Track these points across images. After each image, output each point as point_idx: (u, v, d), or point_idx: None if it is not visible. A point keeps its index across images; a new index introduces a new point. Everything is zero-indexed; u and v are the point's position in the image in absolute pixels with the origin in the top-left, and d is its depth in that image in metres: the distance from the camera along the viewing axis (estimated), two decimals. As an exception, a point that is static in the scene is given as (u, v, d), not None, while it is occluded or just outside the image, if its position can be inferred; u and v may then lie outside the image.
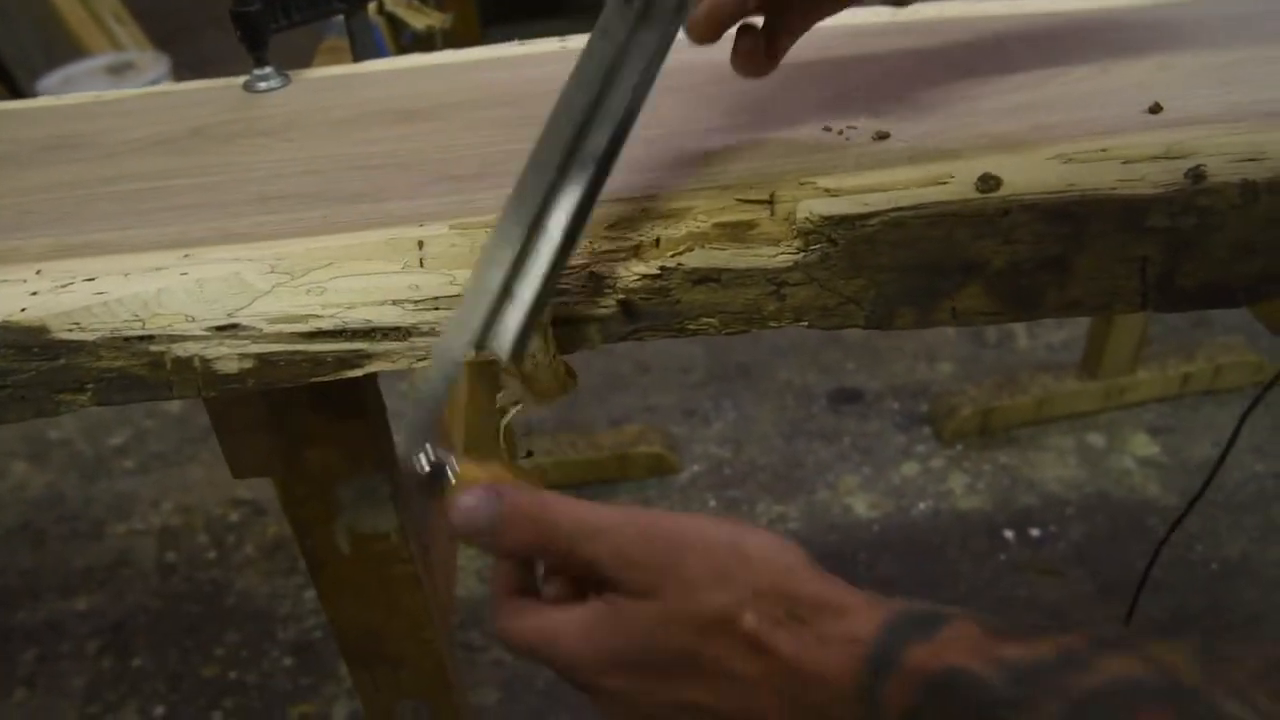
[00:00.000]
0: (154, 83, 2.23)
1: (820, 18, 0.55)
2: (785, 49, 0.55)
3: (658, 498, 1.53)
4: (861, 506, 1.49)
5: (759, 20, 0.54)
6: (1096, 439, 1.56)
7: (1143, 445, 1.55)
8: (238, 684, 1.33)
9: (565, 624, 0.37)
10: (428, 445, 0.40)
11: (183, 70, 2.40)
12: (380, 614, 0.76)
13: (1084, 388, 1.57)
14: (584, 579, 0.38)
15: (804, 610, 0.34)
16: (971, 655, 0.31)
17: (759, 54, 0.53)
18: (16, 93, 2.24)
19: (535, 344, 0.48)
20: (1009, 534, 1.43)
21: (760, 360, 1.77)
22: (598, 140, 0.46)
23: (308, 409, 0.60)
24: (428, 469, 0.40)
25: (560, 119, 0.46)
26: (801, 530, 1.46)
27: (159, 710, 1.30)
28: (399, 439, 0.43)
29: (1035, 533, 1.43)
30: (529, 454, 1.45)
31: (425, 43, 0.99)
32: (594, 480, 1.55)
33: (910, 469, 1.55)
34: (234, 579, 1.48)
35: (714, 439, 1.63)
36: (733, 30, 0.52)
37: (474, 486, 0.39)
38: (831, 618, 0.34)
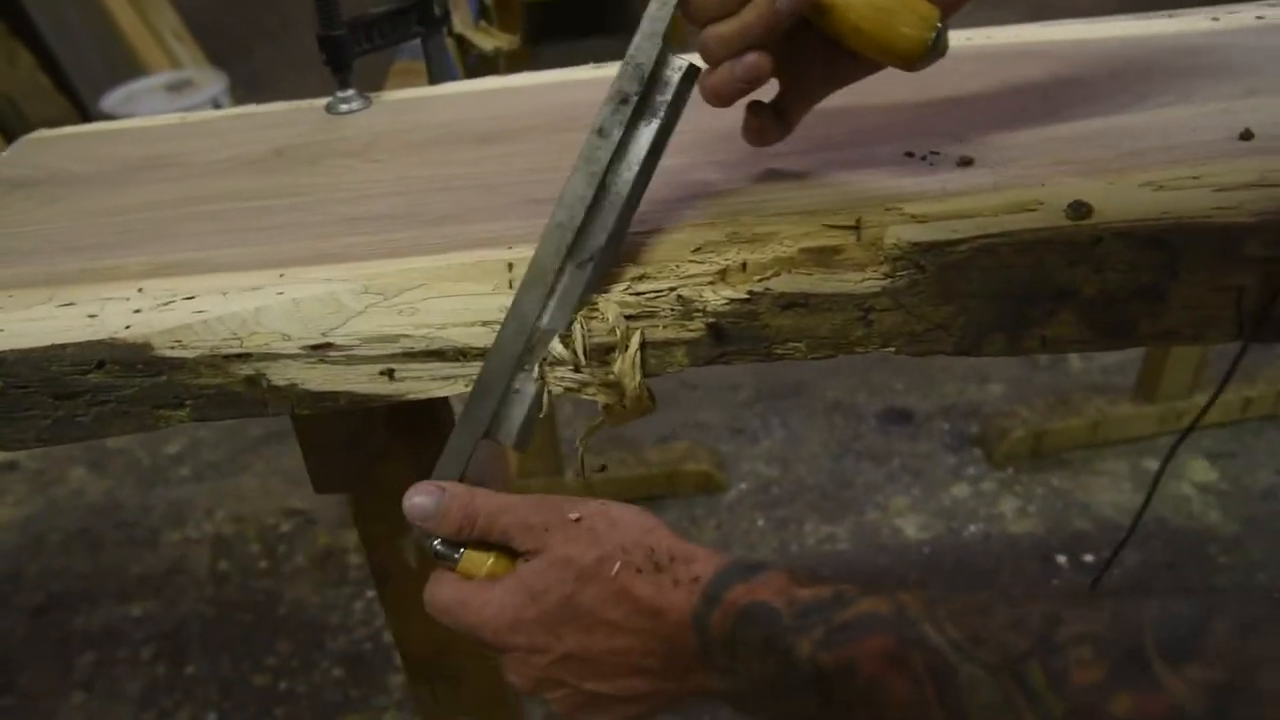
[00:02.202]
0: (212, 99, 2.29)
1: (837, 87, 0.53)
2: (800, 117, 0.53)
3: (705, 516, 1.53)
4: (911, 528, 1.48)
5: (771, 91, 0.52)
6: (1152, 464, 1.54)
7: (1202, 471, 1.52)
8: (288, 693, 1.34)
9: (476, 592, 0.45)
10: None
11: (238, 86, 2.45)
12: (444, 630, 0.77)
13: (1139, 411, 1.55)
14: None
15: (661, 559, 0.43)
16: (774, 594, 0.40)
17: (769, 129, 0.52)
18: (80, 108, 2.30)
19: (624, 368, 0.48)
20: (1062, 559, 1.41)
21: (809, 379, 1.77)
22: (597, 239, 0.48)
23: (385, 426, 0.61)
24: (438, 550, 0.48)
25: (559, 223, 0.48)
26: (850, 551, 1.45)
27: (211, 716, 1.32)
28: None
29: (1089, 558, 1.41)
30: (603, 468, 1.46)
31: (490, 63, 1.01)
32: (641, 497, 1.55)
33: (961, 491, 1.53)
34: (285, 588, 1.49)
35: (762, 457, 1.63)
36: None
37: (425, 484, 0.48)
38: (682, 564, 0.42)
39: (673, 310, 0.49)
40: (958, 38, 0.70)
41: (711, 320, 0.49)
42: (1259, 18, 0.67)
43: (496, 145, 0.63)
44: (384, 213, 0.56)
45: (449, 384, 0.50)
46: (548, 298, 0.48)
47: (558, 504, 0.46)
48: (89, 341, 0.48)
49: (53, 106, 2.24)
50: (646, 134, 0.48)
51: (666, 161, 0.57)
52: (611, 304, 0.49)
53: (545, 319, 0.48)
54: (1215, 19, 0.67)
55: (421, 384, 0.50)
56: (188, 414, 0.50)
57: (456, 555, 0.48)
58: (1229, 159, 0.51)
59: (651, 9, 0.46)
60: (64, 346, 0.48)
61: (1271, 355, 1.66)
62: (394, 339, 0.49)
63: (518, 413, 0.50)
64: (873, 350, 0.50)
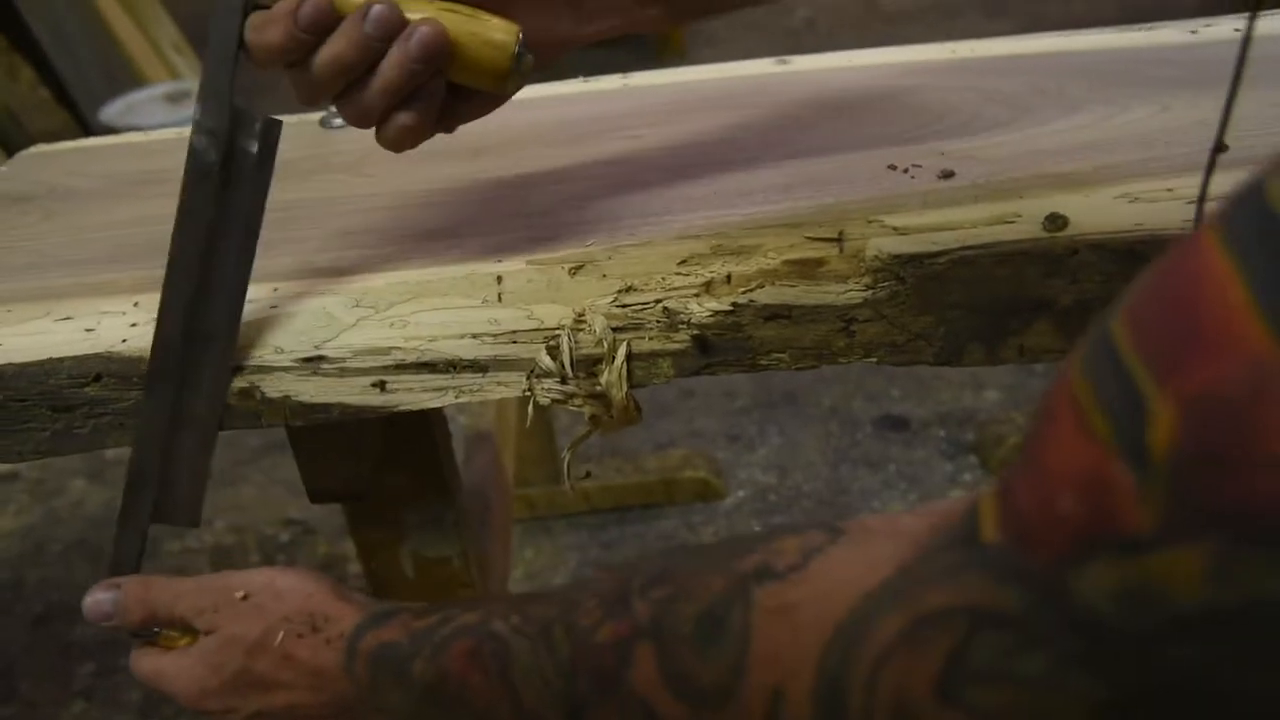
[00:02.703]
0: (211, 111, 2.30)
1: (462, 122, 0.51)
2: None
3: (703, 523, 1.54)
4: (907, 535, 1.49)
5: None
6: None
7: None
8: (288, 702, 1.35)
9: (170, 664, 0.50)
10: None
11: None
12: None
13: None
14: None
15: (317, 622, 0.47)
16: (396, 631, 0.45)
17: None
18: (80, 120, 2.31)
19: (611, 379, 0.49)
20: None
21: (805, 386, 1.77)
22: (217, 317, 0.48)
23: (379, 437, 0.62)
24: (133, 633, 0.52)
25: (168, 315, 0.48)
26: (847, 558, 1.45)
27: (212, 726, 1.33)
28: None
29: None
30: (587, 475, 1.47)
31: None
32: (639, 505, 1.56)
33: (957, 497, 1.54)
34: (285, 597, 1.50)
35: (759, 465, 1.63)
36: None
37: (100, 583, 0.52)
38: (332, 624, 0.47)
39: (658, 322, 0.50)
40: (940, 50, 0.71)
41: (696, 332, 0.50)
42: (1237, 30, 0.68)
43: (487, 159, 0.64)
44: (376, 227, 0.57)
45: (440, 395, 0.51)
46: (179, 388, 0.49)
47: (225, 585, 0.50)
48: (86, 355, 0.49)
49: (53, 119, 2.25)
50: (240, 199, 0.47)
51: (650, 175, 0.58)
52: (598, 316, 0.50)
53: (188, 403, 0.49)
54: (1194, 31, 0.69)
55: (413, 395, 0.51)
56: (183, 426, 0.51)
57: (155, 632, 0.51)
58: (1202, 171, 0.52)
59: (211, 58, 0.44)
60: (61, 360, 0.49)
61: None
62: (385, 351, 0.50)
63: (180, 490, 0.52)
64: (855, 360, 0.51)
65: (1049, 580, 0.25)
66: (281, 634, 0.47)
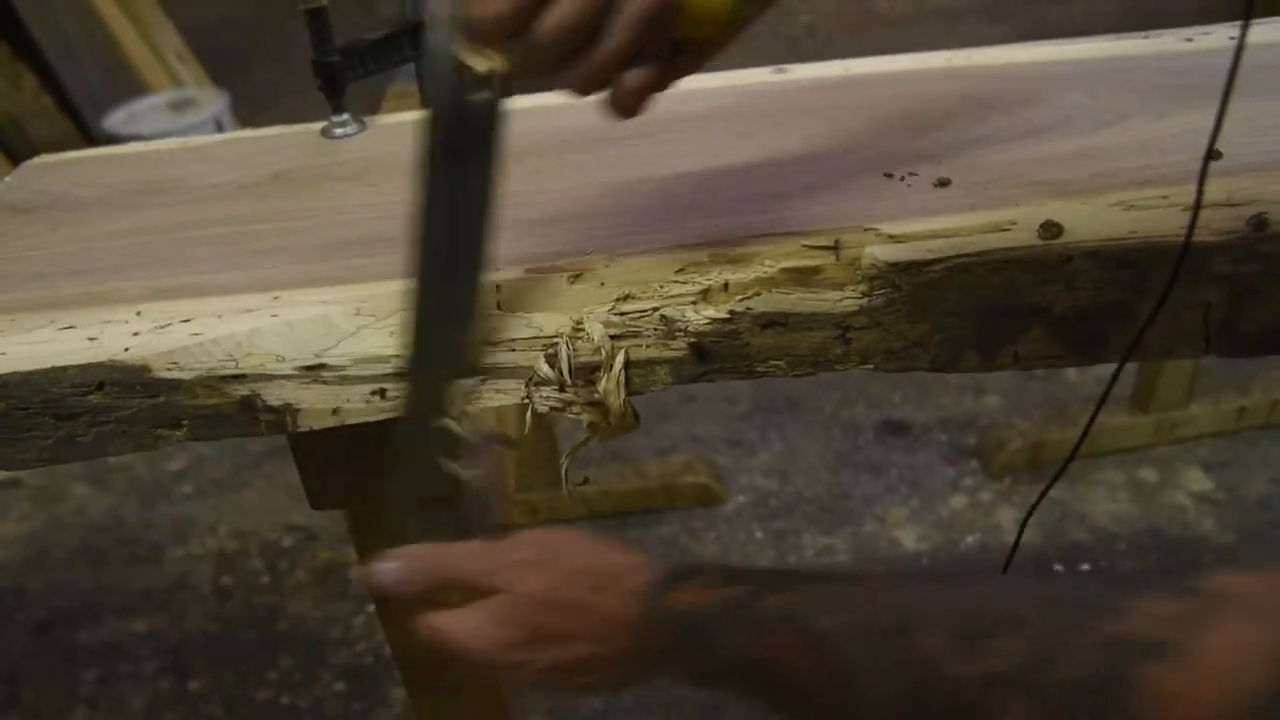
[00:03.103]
0: (215, 118, 2.31)
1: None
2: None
3: (703, 528, 1.54)
4: (909, 539, 1.49)
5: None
6: (1149, 474, 1.55)
7: (1197, 480, 1.53)
8: (291, 708, 1.35)
9: (465, 620, 0.50)
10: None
11: (240, 105, 2.48)
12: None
13: (1135, 422, 1.56)
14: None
15: (604, 579, 0.49)
16: (699, 595, 0.46)
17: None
18: (83, 128, 2.32)
19: (608, 387, 0.50)
20: (1059, 568, 1.42)
21: (806, 392, 1.78)
22: (466, 265, 0.49)
23: (379, 443, 0.62)
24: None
25: (413, 289, 0.49)
26: (848, 563, 1.45)
27: (214, 732, 1.33)
28: None
29: (1085, 567, 1.41)
30: (585, 480, 1.47)
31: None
32: (640, 510, 1.56)
33: (958, 502, 1.54)
34: (287, 604, 1.50)
35: (760, 470, 1.64)
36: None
37: (384, 555, 0.53)
38: (625, 577, 0.48)
39: (656, 330, 0.50)
40: (937, 59, 0.71)
41: (694, 339, 0.50)
42: (1231, 38, 0.68)
43: (487, 168, 0.65)
44: (377, 236, 0.58)
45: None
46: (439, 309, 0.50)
47: (503, 547, 0.51)
48: (89, 364, 0.49)
49: (56, 127, 2.26)
50: (474, 174, 0.48)
51: (649, 183, 0.58)
52: (596, 324, 0.50)
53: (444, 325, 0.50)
54: (1189, 39, 0.69)
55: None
56: (185, 434, 0.51)
57: None
58: (1197, 178, 0.52)
59: (431, 35, 0.44)
60: (65, 369, 0.49)
61: (1265, 365, 1.67)
62: (385, 359, 0.50)
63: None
64: (851, 368, 0.51)
65: None
66: (570, 588, 0.49)
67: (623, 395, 0.50)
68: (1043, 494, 0.64)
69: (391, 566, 0.52)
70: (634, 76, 0.44)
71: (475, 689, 0.79)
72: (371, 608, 1.47)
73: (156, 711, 1.36)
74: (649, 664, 0.48)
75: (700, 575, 0.47)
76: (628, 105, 0.45)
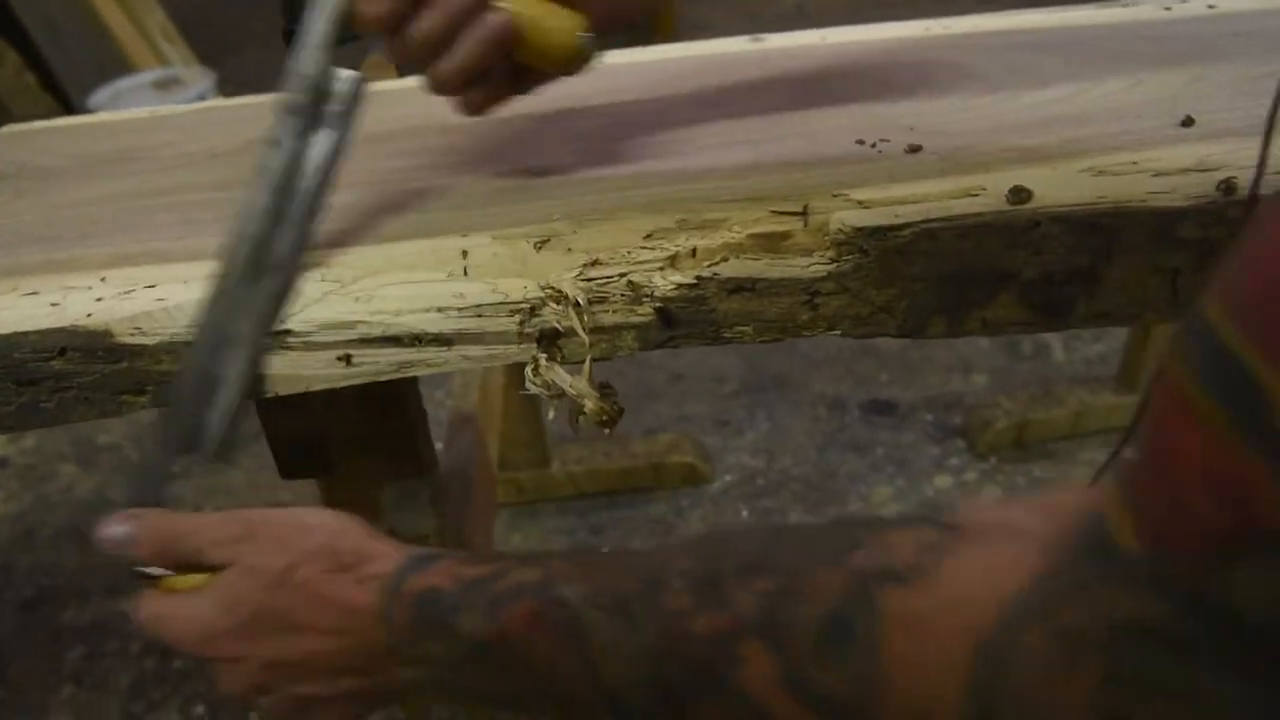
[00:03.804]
0: (200, 97, 2.29)
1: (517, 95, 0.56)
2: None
3: (690, 507, 1.54)
4: (894, 518, 1.49)
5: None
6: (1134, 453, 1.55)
7: (1182, 460, 1.53)
8: (277, 685, 1.35)
9: (177, 606, 0.46)
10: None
11: (227, 85, 2.46)
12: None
13: (1121, 401, 1.56)
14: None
15: (348, 560, 0.44)
16: (443, 578, 0.42)
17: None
18: (69, 107, 2.30)
19: (581, 388, 0.49)
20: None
21: (794, 371, 1.78)
22: (280, 249, 0.49)
23: (352, 413, 0.62)
24: (146, 572, 0.47)
25: (241, 234, 0.49)
26: (834, 541, 1.46)
27: (199, 710, 1.33)
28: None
29: (1071, 546, 1.42)
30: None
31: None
32: (627, 489, 1.56)
33: (944, 481, 1.54)
34: (274, 582, 1.50)
35: (747, 449, 1.64)
36: None
37: (117, 514, 0.48)
38: (366, 563, 0.44)
39: (623, 295, 0.50)
40: (915, 27, 0.71)
41: (660, 305, 0.50)
42: (1210, 6, 0.68)
43: (455, 136, 0.64)
44: (345, 203, 0.57)
45: (405, 369, 0.51)
46: (236, 308, 0.49)
47: (248, 516, 0.47)
48: (51, 329, 0.49)
49: (39, 106, 2.24)
50: (322, 143, 0.50)
51: (617, 148, 0.58)
52: (572, 284, 0.50)
53: (238, 329, 0.49)
54: (1168, 8, 0.69)
55: (378, 369, 0.51)
56: (149, 400, 0.51)
57: (158, 573, 0.47)
58: (1169, 145, 0.52)
59: (312, 18, 0.49)
60: (26, 334, 0.49)
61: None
62: (351, 325, 0.50)
63: (215, 425, 0.49)
64: (819, 333, 0.51)
65: (1197, 587, 0.24)
66: (308, 569, 0.43)
67: (597, 394, 0.50)
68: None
69: (118, 529, 0.47)
70: (476, 93, 0.53)
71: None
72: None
73: (141, 689, 1.36)
74: (390, 667, 0.43)
75: (449, 557, 0.43)
76: (473, 108, 0.54)
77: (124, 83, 2.34)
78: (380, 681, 0.44)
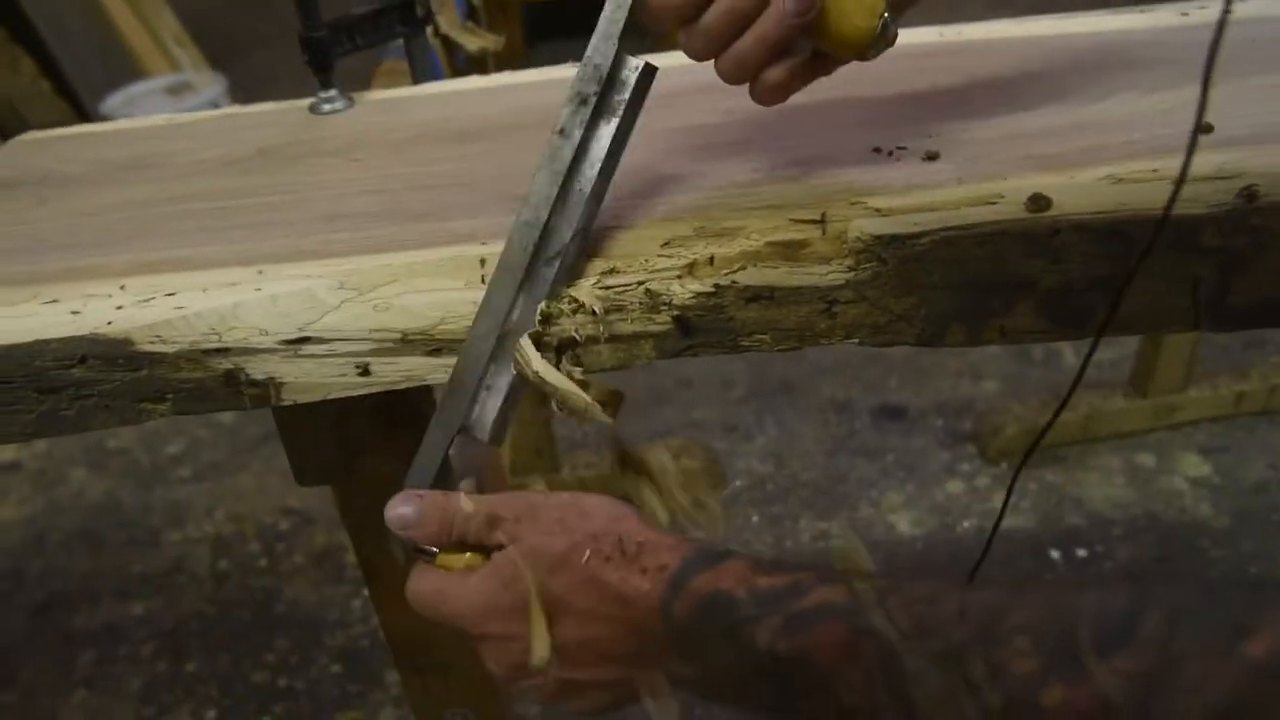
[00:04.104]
0: (212, 102, 2.30)
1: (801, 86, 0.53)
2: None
3: (700, 512, 1.54)
4: (905, 524, 1.49)
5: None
6: (1146, 459, 1.54)
7: (1194, 465, 1.52)
8: (287, 690, 1.35)
9: (453, 583, 0.47)
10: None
11: (237, 89, 2.47)
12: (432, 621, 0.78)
13: (1132, 406, 1.55)
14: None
15: (629, 547, 0.43)
16: (735, 582, 0.41)
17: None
18: (82, 112, 2.32)
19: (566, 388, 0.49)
20: (1055, 554, 1.42)
21: (803, 376, 1.77)
22: (563, 236, 0.49)
23: (367, 419, 0.62)
24: (425, 550, 0.50)
25: (525, 222, 0.49)
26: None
27: (211, 714, 1.33)
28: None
29: (1082, 553, 1.41)
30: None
31: (478, 63, 1.02)
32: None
33: (955, 487, 1.54)
34: (283, 586, 1.51)
35: (756, 454, 1.63)
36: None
37: (402, 494, 0.50)
38: (650, 552, 0.43)
39: (641, 303, 0.50)
40: (930, 34, 0.71)
41: (678, 313, 0.50)
42: (1228, 11, 0.68)
43: (476, 144, 0.64)
44: (362, 211, 0.58)
45: (423, 377, 0.51)
46: (517, 294, 0.49)
47: (529, 498, 0.47)
48: (72, 337, 0.49)
49: (54, 111, 2.26)
50: (606, 132, 0.49)
51: (636, 157, 0.58)
52: (591, 294, 0.50)
53: (515, 315, 0.49)
54: (1185, 14, 0.68)
55: (396, 377, 0.51)
56: (169, 407, 0.51)
57: (435, 551, 0.49)
58: (1185, 152, 0.52)
59: (607, 11, 0.48)
60: (48, 342, 0.49)
61: (1264, 350, 1.66)
62: (369, 333, 0.50)
63: (491, 407, 0.51)
64: (836, 342, 0.51)
65: None
66: (588, 552, 0.43)
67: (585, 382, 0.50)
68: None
69: (406, 510, 0.49)
70: (774, 73, 0.50)
71: (465, 669, 0.79)
72: (367, 591, 1.47)
73: (153, 693, 1.36)
74: (665, 658, 0.42)
75: (738, 559, 0.42)
76: (767, 96, 0.50)
77: (136, 88, 2.35)
78: (649, 673, 0.44)
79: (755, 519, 1.52)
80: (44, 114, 2.22)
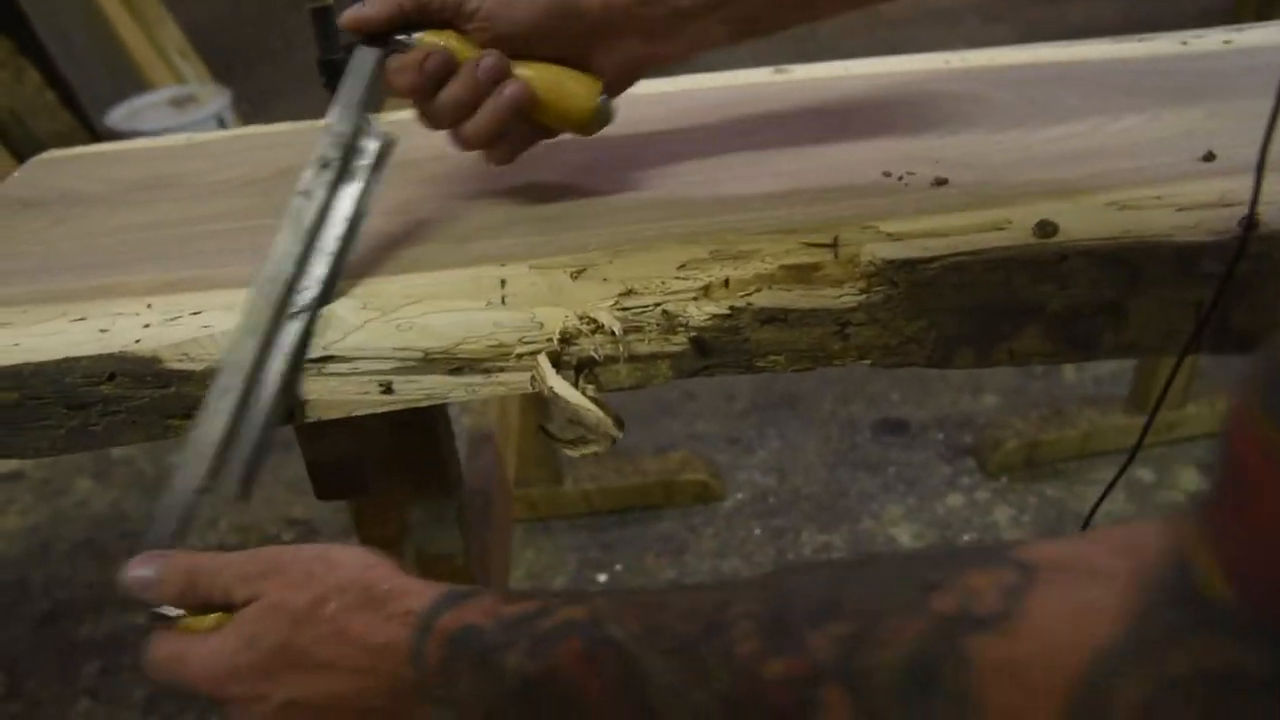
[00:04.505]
0: (217, 115, 2.32)
1: (526, 149, 0.61)
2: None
3: (702, 525, 1.55)
4: (906, 537, 1.50)
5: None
6: (1145, 474, 1.56)
7: (1193, 480, 1.54)
8: (291, 701, 1.36)
9: (194, 645, 0.44)
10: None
11: (241, 102, 2.48)
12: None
13: (1132, 422, 1.57)
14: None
15: (377, 596, 0.42)
16: (481, 615, 0.40)
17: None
18: (86, 125, 2.33)
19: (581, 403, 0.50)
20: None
21: (805, 390, 1.79)
22: (307, 293, 0.51)
23: (384, 435, 0.63)
24: (163, 614, 0.47)
25: (268, 277, 0.51)
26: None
27: (215, 724, 1.34)
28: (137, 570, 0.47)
29: (1082, 567, 1.42)
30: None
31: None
32: (639, 506, 1.57)
33: (955, 501, 1.55)
34: (288, 597, 1.51)
35: (758, 467, 1.65)
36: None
37: (142, 555, 0.47)
38: (396, 599, 0.42)
39: (658, 325, 0.51)
40: (935, 60, 0.72)
41: (695, 334, 0.51)
42: (1226, 42, 0.69)
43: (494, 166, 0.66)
44: (383, 230, 0.59)
45: (444, 396, 0.52)
46: (264, 349, 0.50)
47: (275, 553, 0.46)
48: (101, 355, 0.50)
49: (58, 122, 2.27)
50: (349, 195, 0.53)
51: (649, 181, 0.59)
52: (608, 314, 0.51)
53: (266, 369, 0.50)
54: (1184, 42, 0.70)
55: (418, 395, 0.52)
56: (194, 424, 0.52)
57: (177, 614, 0.46)
58: (1191, 179, 0.53)
59: (347, 82, 0.54)
60: (77, 359, 0.50)
61: (1261, 366, 1.67)
62: (392, 353, 0.51)
63: (236, 463, 0.50)
64: (849, 363, 0.52)
65: None
66: (334, 604, 0.42)
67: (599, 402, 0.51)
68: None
69: (144, 571, 0.46)
70: (500, 146, 0.59)
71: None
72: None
73: (157, 703, 1.37)
74: (417, 708, 0.41)
75: (487, 594, 0.42)
76: (497, 162, 0.60)
77: (141, 100, 2.36)
78: None
79: (757, 532, 1.53)
80: (49, 125, 2.23)
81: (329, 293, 0.52)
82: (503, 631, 0.39)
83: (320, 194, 0.52)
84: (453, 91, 0.55)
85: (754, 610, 0.36)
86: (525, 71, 0.56)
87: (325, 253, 0.52)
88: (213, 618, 0.45)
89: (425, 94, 0.56)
